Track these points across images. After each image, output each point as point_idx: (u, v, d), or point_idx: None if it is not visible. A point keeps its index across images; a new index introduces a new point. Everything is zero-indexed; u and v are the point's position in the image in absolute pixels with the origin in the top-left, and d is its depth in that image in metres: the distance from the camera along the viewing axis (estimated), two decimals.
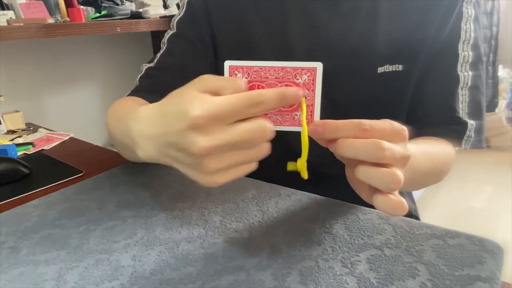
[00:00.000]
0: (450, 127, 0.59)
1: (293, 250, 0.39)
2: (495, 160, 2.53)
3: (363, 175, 0.33)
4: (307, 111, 0.36)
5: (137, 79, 0.68)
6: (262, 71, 0.36)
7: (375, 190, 0.34)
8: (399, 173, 0.32)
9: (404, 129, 0.35)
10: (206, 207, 0.49)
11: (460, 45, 0.58)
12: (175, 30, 0.68)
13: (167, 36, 0.68)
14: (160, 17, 1.40)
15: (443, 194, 2.18)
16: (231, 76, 0.36)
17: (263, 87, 0.36)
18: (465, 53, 0.58)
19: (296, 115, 0.37)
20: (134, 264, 0.38)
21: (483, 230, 1.79)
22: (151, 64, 0.67)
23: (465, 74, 0.58)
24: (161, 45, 0.69)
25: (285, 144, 0.62)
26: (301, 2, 0.60)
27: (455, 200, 2.14)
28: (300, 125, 0.37)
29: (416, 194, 0.79)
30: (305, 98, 0.36)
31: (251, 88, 0.37)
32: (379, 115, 0.61)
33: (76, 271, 0.38)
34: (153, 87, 0.65)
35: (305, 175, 0.37)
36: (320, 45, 0.59)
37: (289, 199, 0.50)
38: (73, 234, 0.44)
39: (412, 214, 0.76)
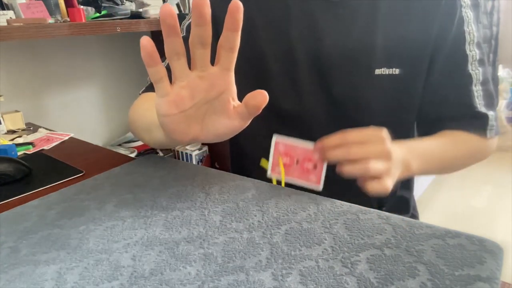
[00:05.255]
0: (471, 122, 0.62)
1: (293, 250, 0.39)
2: (495, 160, 2.52)
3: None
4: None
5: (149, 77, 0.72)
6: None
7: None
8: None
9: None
10: (206, 207, 0.49)
11: (467, 46, 0.61)
12: (184, 34, 0.68)
13: None
14: None
15: (443, 194, 2.18)
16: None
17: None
18: (473, 52, 0.61)
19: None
20: (134, 264, 0.38)
21: (483, 230, 1.78)
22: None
23: (476, 72, 0.61)
24: None
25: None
26: (303, 5, 0.61)
27: (455, 200, 2.14)
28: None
29: (416, 194, 0.80)
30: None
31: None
32: (375, 115, 0.63)
33: (76, 271, 0.38)
34: None
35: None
36: (319, 47, 0.61)
37: (289, 199, 0.50)
38: (73, 234, 0.44)
39: (411, 213, 0.77)
